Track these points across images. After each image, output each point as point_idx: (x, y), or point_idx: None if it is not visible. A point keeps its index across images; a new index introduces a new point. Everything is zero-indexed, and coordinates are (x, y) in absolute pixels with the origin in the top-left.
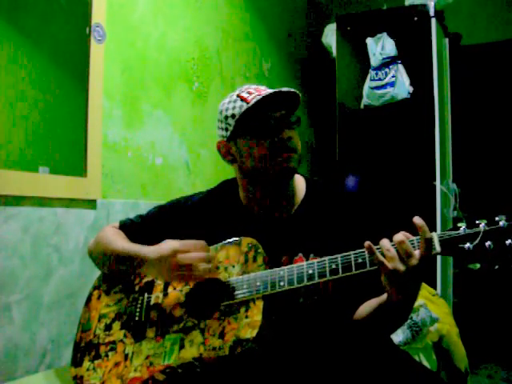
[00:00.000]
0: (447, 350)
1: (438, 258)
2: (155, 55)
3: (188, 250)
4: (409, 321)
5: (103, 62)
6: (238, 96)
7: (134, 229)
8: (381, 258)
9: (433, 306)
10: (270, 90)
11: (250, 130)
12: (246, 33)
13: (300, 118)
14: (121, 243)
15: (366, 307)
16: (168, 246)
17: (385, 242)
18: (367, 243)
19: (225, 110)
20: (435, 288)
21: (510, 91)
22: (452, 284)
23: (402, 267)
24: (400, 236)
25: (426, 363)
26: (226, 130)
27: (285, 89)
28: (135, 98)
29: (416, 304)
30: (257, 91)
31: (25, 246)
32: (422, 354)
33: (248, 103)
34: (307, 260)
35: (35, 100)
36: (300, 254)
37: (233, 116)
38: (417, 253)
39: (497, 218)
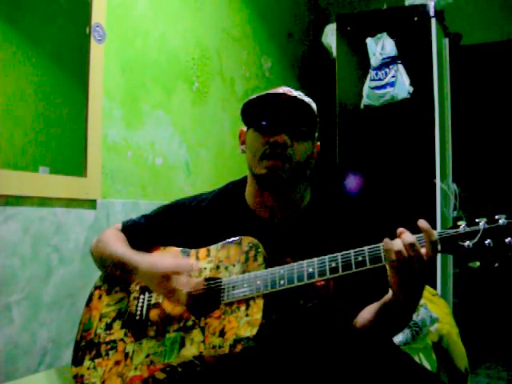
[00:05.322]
0: (447, 350)
1: (438, 258)
2: (155, 55)
3: (179, 271)
4: None
5: (103, 62)
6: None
7: (136, 230)
8: (393, 255)
9: (433, 306)
10: (293, 93)
11: (255, 121)
12: (246, 33)
13: (309, 133)
14: (117, 248)
15: (368, 311)
16: (161, 265)
17: (397, 243)
18: (386, 239)
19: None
20: (435, 288)
21: (510, 91)
22: (452, 284)
23: (410, 267)
24: (410, 238)
25: (426, 363)
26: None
27: (301, 97)
28: (135, 97)
29: None
30: (283, 91)
31: (25, 246)
32: (422, 354)
33: (264, 96)
34: None
35: (35, 100)
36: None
37: None
38: (423, 252)
39: (496, 217)
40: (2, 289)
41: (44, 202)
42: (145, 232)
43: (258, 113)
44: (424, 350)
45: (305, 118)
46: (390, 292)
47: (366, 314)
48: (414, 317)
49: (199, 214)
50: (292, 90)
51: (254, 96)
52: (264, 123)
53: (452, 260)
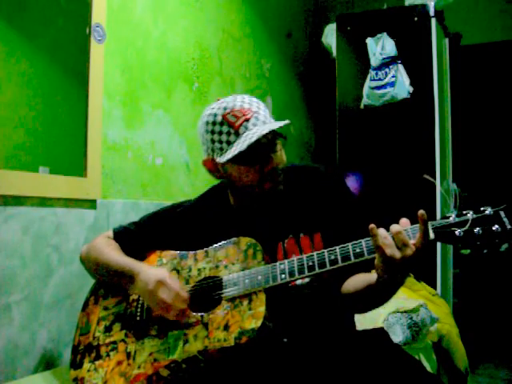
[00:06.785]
0: (447, 350)
1: (438, 258)
2: (155, 55)
3: (173, 288)
4: (409, 321)
5: (103, 62)
6: (223, 118)
7: (128, 237)
8: (380, 242)
9: (433, 306)
10: (260, 114)
11: (238, 158)
12: (245, 33)
13: (286, 136)
14: (113, 256)
15: (353, 282)
16: (156, 277)
17: (382, 231)
18: (371, 226)
19: (210, 131)
20: (435, 288)
21: (509, 91)
22: (452, 284)
23: (398, 255)
24: (397, 227)
25: (425, 363)
26: (213, 150)
27: (274, 125)
28: (135, 98)
29: (416, 304)
30: (242, 113)
31: (25, 246)
32: (421, 354)
33: (236, 130)
34: (298, 240)
35: (35, 100)
36: (290, 236)
37: (220, 142)
38: (412, 242)
39: (482, 208)
40: (2, 289)
41: (44, 202)
42: (137, 239)
43: (246, 153)
44: (424, 350)
45: (278, 134)
46: (375, 274)
47: (352, 285)
48: (414, 317)
49: (187, 220)
50: (250, 101)
51: (237, 151)
52: (255, 159)
53: (452, 260)
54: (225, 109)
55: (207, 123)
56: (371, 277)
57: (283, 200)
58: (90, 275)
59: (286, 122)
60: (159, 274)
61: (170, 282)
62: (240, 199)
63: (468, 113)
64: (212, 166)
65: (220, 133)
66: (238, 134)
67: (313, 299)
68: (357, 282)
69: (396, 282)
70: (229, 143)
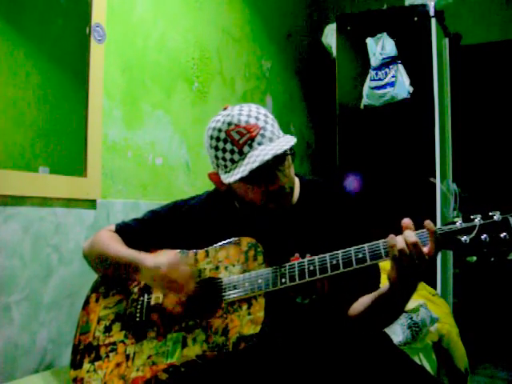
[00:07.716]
0: (447, 350)
1: (438, 258)
2: (155, 55)
3: (180, 264)
4: (409, 321)
5: (103, 62)
6: (227, 135)
7: (130, 233)
8: (396, 252)
9: (433, 306)
10: (267, 131)
11: (245, 178)
12: (245, 33)
13: (294, 152)
14: (117, 248)
15: (363, 302)
16: (165, 258)
17: (400, 240)
18: (391, 235)
19: (214, 147)
20: (435, 288)
21: (509, 91)
22: (452, 284)
23: (411, 264)
24: (413, 237)
25: (425, 363)
26: (217, 166)
27: (278, 148)
28: (135, 98)
29: (416, 304)
30: (247, 130)
31: (25, 246)
32: (422, 354)
33: (240, 149)
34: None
35: (35, 100)
36: (296, 254)
37: (224, 159)
38: (425, 250)
39: (491, 213)
40: (2, 289)
41: (44, 202)
42: (139, 236)
43: (252, 172)
44: (424, 350)
45: (286, 154)
46: (387, 284)
47: (361, 304)
48: (414, 317)
49: (191, 217)
50: (258, 114)
51: (239, 176)
52: (259, 179)
53: (452, 260)
54: (229, 124)
55: (211, 138)
56: (381, 290)
57: (293, 215)
58: (93, 270)
59: (292, 141)
60: (170, 257)
61: (181, 263)
62: (245, 208)
63: (468, 113)
64: (217, 180)
65: (224, 150)
66: (241, 153)
67: (314, 317)
68: (364, 301)
69: (408, 290)
70: (233, 161)
